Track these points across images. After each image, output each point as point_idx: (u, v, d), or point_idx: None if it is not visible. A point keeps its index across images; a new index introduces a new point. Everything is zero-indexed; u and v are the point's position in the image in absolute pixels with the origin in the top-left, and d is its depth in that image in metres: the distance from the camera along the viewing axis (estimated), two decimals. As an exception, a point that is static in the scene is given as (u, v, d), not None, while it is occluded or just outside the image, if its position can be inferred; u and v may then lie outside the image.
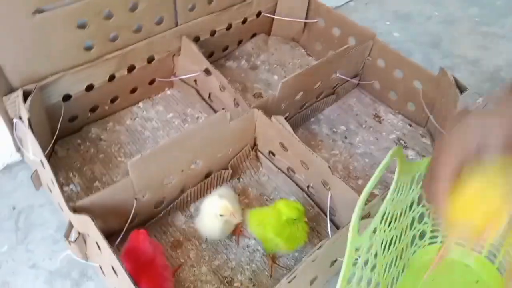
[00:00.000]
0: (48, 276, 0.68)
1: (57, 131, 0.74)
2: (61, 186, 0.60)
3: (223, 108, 0.72)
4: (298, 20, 1.00)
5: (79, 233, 0.61)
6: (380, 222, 0.56)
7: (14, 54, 0.66)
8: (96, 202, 0.59)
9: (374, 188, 0.53)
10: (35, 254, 0.70)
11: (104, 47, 0.75)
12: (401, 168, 0.55)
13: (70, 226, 0.59)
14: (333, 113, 0.94)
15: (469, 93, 0.76)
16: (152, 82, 0.88)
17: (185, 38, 0.85)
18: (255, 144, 0.80)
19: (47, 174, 0.64)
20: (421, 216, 0.68)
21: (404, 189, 0.59)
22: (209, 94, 0.88)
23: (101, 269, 0.63)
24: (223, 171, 0.75)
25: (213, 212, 0.65)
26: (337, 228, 0.72)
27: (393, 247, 0.62)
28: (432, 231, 0.70)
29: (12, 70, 0.67)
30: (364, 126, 0.92)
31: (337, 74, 0.88)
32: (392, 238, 0.61)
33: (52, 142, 0.74)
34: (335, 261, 0.64)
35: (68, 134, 0.82)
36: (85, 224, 0.56)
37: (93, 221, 0.55)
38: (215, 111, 0.87)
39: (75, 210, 0.57)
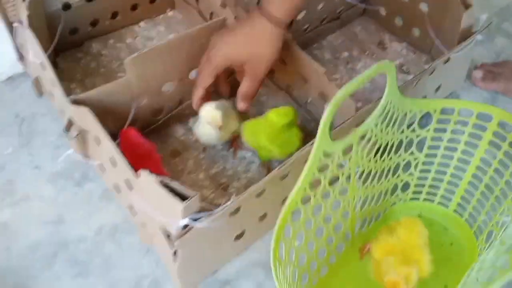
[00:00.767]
0: (51, 176, 0.70)
1: (56, 40, 0.73)
2: (61, 83, 0.61)
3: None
4: None
5: (79, 131, 0.62)
6: (358, 143, 0.55)
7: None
8: (95, 98, 0.60)
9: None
10: (38, 157, 0.72)
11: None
12: (391, 89, 0.54)
13: (70, 122, 0.61)
14: (336, 39, 0.93)
15: (473, 12, 0.75)
16: (153, 0, 0.87)
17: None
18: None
19: (47, 74, 0.65)
20: (407, 165, 0.67)
21: (393, 120, 0.58)
22: (211, 14, 0.87)
23: (101, 167, 0.65)
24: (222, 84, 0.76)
25: (205, 120, 0.66)
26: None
27: (370, 183, 0.61)
28: (416, 186, 0.68)
29: (12, -28, 0.67)
30: (367, 53, 0.91)
31: (341, -4, 0.86)
32: (370, 171, 0.61)
33: (52, 50, 0.74)
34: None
35: (69, 48, 0.82)
36: (84, 117, 0.58)
37: (91, 113, 0.56)
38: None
39: (75, 102, 0.58)
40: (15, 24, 0.69)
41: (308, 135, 0.65)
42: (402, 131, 0.62)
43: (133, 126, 0.68)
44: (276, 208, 0.62)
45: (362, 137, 0.55)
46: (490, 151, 0.63)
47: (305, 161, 0.59)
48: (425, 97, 0.77)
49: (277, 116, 0.65)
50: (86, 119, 0.58)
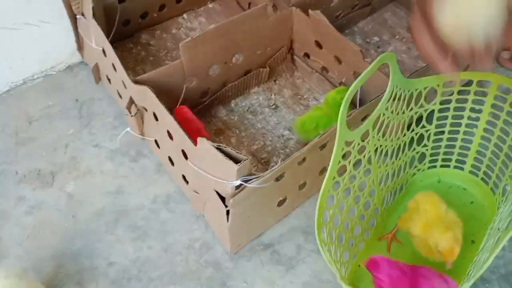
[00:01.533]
0: (109, 153, 0.78)
1: (113, 32, 0.82)
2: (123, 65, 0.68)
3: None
4: None
5: (137, 109, 0.70)
6: (373, 128, 0.59)
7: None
8: (153, 78, 0.67)
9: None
10: (98, 137, 0.80)
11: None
12: (394, 76, 0.58)
13: (131, 101, 0.68)
14: (367, 25, 0.98)
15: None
16: (196, -7, 0.95)
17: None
18: (291, 48, 0.86)
19: (109, 58, 0.72)
20: (421, 138, 0.71)
21: (401, 101, 0.62)
22: (249, 4, 0.93)
23: (156, 143, 0.72)
24: (261, 70, 0.82)
25: None
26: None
27: (390, 160, 0.66)
28: (431, 155, 0.72)
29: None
30: (397, 37, 0.95)
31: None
32: (388, 150, 0.65)
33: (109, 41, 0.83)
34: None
35: (122, 39, 0.90)
36: (144, 95, 0.65)
37: (152, 90, 0.63)
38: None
39: (136, 82, 0.65)
40: (78, 16, 0.78)
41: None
42: (411, 109, 0.66)
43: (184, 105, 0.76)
44: (314, 178, 0.68)
45: (375, 123, 0.60)
46: (493, 113, 0.67)
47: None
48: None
49: (338, 92, 0.71)
50: (146, 96, 0.65)
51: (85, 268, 0.66)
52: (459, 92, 0.68)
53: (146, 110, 0.69)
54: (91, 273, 0.65)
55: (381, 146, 0.63)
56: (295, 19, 0.79)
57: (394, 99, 0.61)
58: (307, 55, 0.84)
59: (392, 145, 0.66)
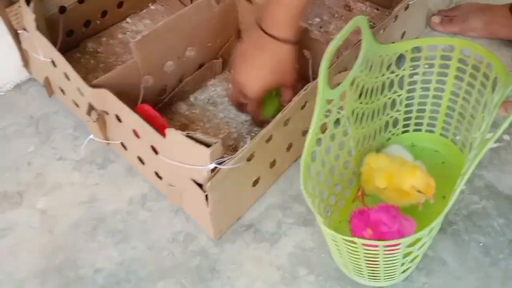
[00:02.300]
0: (75, 164, 0.77)
1: (59, 42, 0.80)
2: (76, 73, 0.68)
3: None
4: None
5: (98, 115, 0.69)
6: (350, 88, 0.62)
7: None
8: (109, 81, 0.67)
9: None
10: (60, 150, 0.79)
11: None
12: (367, 40, 0.61)
13: (90, 107, 0.68)
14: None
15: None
16: (136, -4, 0.95)
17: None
18: (239, 37, 0.88)
19: (60, 68, 0.71)
20: (393, 103, 0.74)
21: (374, 66, 0.66)
22: (191, 1, 0.94)
23: (123, 145, 0.72)
24: (214, 61, 0.84)
25: None
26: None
27: (366, 122, 0.69)
28: (404, 119, 0.76)
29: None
30: (336, 16, 1.00)
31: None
32: (364, 113, 0.68)
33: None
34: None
35: (68, 50, 0.89)
36: (103, 98, 0.65)
37: (111, 92, 0.63)
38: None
39: (93, 86, 0.65)
40: (20, 31, 0.76)
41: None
42: (383, 74, 0.71)
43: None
44: (283, 155, 0.71)
45: (352, 84, 0.63)
46: (458, 76, 0.72)
47: (302, 108, 0.69)
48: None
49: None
50: (106, 99, 0.65)
51: (71, 280, 0.65)
52: (427, 58, 0.72)
53: (107, 113, 0.69)
54: (78, 284, 0.65)
55: (357, 108, 0.67)
56: (239, 8, 0.82)
57: (367, 64, 0.64)
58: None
59: (367, 108, 0.69)
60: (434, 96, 0.75)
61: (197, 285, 0.64)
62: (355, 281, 0.64)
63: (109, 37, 0.94)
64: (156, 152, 0.64)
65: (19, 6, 0.73)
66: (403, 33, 0.88)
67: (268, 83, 0.70)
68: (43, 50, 0.72)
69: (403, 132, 0.78)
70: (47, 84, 0.81)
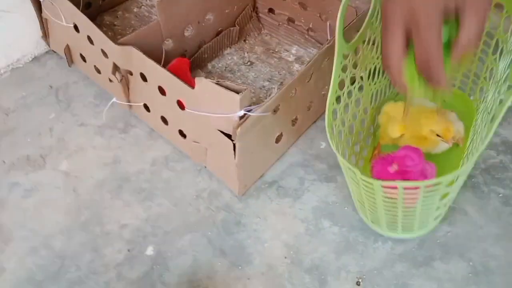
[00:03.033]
0: (97, 129, 0.78)
1: (81, 7, 0.81)
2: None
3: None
4: None
5: (122, 76, 0.70)
6: (363, 43, 0.62)
7: None
8: (133, 41, 0.68)
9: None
10: (81, 116, 0.79)
11: None
12: None
13: (115, 67, 0.69)
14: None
15: None
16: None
17: None
18: (255, 7, 0.90)
19: (82, 32, 0.72)
20: None
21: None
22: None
23: (146, 107, 0.73)
24: (231, 29, 0.85)
25: None
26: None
27: (377, 78, 0.69)
28: None
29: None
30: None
31: None
32: (376, 67, 0.68)
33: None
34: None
35: (85, 23, 0.90)
36: (129, 55, 0.66)
37: (137, 49, 0.64)
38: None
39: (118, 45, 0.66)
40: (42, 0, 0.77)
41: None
42: None
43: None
44: (304, 113, 0.72)
45: (363, 38, 0.63)
46: None
47: (321, 66, 0.70)
48: None
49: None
50: (131, 57, 0.66)
51: (97, 235, 0.65)
52: None
53: (131, 74, 0.70)
54: (105, 238, 0.65)
55: (369, 63, 0.66)
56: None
57: (377, 15, 0.63)
58: (271, 11, 0.88)
59: (379, 63, 0.68)
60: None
61: (223, 237, 0.65)
62: (378, 232, 0.65)
63: (124, 11, 0.95)
64: (182, 107, 0.65)
65: (41, -28, 0.75)
66: None
67: None
68: (66, 15, 0.73)
69: None
70: (67, 53, 0.82)
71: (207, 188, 0.70)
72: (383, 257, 0.63)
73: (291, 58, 0.87)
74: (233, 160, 0.62)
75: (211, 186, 0.71)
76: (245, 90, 0.57)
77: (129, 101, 0.74)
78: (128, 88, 0.73)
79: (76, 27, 0.74)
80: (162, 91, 0.66)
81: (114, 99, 0.74)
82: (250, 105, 0.59)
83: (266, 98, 0.81)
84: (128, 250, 0.64)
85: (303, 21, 0.84)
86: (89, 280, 0.61)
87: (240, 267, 0.63)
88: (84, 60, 0.80)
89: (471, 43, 0.47)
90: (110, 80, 0.74)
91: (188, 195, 0.70)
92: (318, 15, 0.80)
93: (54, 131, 0.78)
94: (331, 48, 0.65)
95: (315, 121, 0.78)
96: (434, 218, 0.61)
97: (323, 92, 0.74)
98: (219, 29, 0.84)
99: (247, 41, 0.90)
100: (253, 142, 0.64)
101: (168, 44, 0.76)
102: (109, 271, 0.62)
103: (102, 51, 0.71)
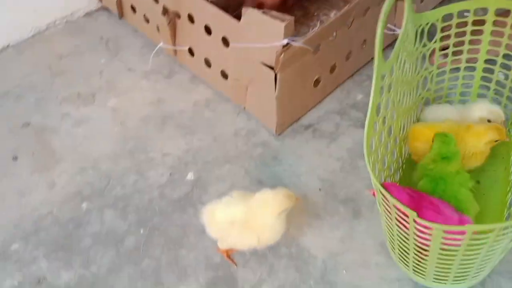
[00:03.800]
0: (144, 74, 0.82)
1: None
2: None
3: None
4: None
5: (170, 19, 0.75)
6: (396, 62, 0.55)
7: None
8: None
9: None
10: (129, 62, 0.84)
11: None
12: (409, 12, 0.57)
13: (165, 9, 0.74)
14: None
15: None
16: None
17: None
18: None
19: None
20: (425, 81, 0.69)
21: (410, 39, 0.59)
22: None
23: (190, 51, 0.77)
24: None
25: None
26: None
27: (402, 104, 0.61)
28: (434, 99, 0.72)
29: None
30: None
31: None
32: (403, 93, 0.61)
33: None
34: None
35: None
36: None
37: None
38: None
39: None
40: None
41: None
42: (417, 48, 0.63)
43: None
44: (342, 62, 0.75)
45: (397, 59, 0.56)
46: (494, 41, 0.66)
47: (364, 15, 0.72)
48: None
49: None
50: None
51: (142, 161, 0.69)
52: (457, 26, 0.66)
53: (179, 17, 0.74)
54: (149, 164, 0.69)
55: (398, 87, 0.59)
56: None
57: (407, 37, 0.58)
58: None
59: (406, 88, 0.62)
60: (466, 68, 0.69)
61: (260, 169, 0.68)
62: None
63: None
64: (227, 44, 0.68)
65: None
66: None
67: None
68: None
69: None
70: (119, 5, 0.87)
71: (245, 127, 0.73)
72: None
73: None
74: (273, 94, 0.65)
75: (249, 126, 0.73)
76: (290, 19, 0.60)
77: (175, 46, 0.78)
78: (175, 34, 0.77)
79: (130, -24, 0.80)
80: (208, 30, 0.70)
81: (161, 44, 0.79)
82: (294, 36, 0.62)
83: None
84: (170, 174, 0.67)
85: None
86: (133, 198, 0.65)
87: (276, 195, 0.65)
88: (134, 11, 0.85)
89: None
90: (158, 29, 0.79)
91: (228, 133, 0.73)
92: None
93: (104, 74, 0.83)
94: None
95: (352, 75, 0.80)
96: (474, 274, 0.54)
97: (363, 45, 0.77)
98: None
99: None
100: (293, 77, 0.66)
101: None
102: (152, 191, 0.65)
103: (153, -4, 0.76)
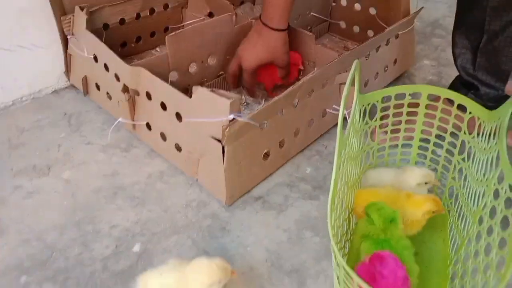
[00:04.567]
0: (101, 148, 0.84)
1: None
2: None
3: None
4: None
5: (129, 96, 0.79)
6: (348, 138, 0.59)
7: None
8: (143, 65, 0.78)
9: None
10: (89, 136, 0.87)
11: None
12: (358, 92, 0.63)
13: (125, 87, 0.78)
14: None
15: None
16: (166, 29, 1.11)
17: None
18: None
19: (101, 60, 0.83)
20: (367, 156, 0.75)
21: (357, 117, 0.64)
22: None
23: (148, 126, 0.81)
24: (231, 73, 0.96)
25: None
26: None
27: (351, 179, 0.65)
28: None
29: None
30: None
31: (311, 13, 1.13)
32: (352, 169, 0.65)
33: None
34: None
35: (104, 65, 1.02)
36: (138, 75, 0.76)
37: (145, 69, 0.74)
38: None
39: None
40: (69, 36, 0.90)
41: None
42: (360, 126, 0.69)
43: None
44: (291, 138, 0.79)
45: (348, 136, 0.60)
46: (427, 122, 0.73)
47: (309, 95, 0.78)
48: (386, 67, 1.00)
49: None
50: (140, 77, 0.76)
51: (89, 232, 0.68)
52: (395, 107, 0.72)
53: (138, 94, 0.79)
54: (95, 235, 0.68)
55: (345, 165, 0.62)
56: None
57: (355, 115, 0.63)
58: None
59: (355, 160, 0.67)
60: (404, 145, 0.76)
61: (207, 240, 0.68)
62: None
63: (139, 59, 1.08)
64: (180, 119, 0.72)
65: (73, 15, 0.88)
66: (395, 60, 1.02)
67: (260, 57, 0.86)
68: (88, 47, 0.85)
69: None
70: (84, 83, 0.92)
71: (196, 199, 0.75)
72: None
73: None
74: (222, 166, 0.68)
75: (200, 197, 0.75)
76: (235, 97, 0.65)
77: (133, 121, 0.82)
78: (134, 109, 0.81)
79: (95, 58, 0.86)
80: (163, 106, 0.75)
81: (120, 119, 0.83)
82: (240, 111, 0.66)
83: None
84: (116, 246, 0.66)
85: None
86: (75, 270, 0.63)
87: (221, 267, 0.64)
88: (98, 89, 0.90)
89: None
90: (119, 104, 0.83)
91: (178, 204, 0.74)
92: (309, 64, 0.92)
93: (62, 147, 0.85)
94: (315, 79, 0.75)
95: (302, 150, 0.85)
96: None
97: (310, 123, 0.82)
98: (220, 73, 0.95)
99: (245, 87, 1.01)
100: (242, 150, 0.70)
101: (173, 75, 0.86)
102: (95, 263, 0.64)
103: (116, 75, 0.81)
